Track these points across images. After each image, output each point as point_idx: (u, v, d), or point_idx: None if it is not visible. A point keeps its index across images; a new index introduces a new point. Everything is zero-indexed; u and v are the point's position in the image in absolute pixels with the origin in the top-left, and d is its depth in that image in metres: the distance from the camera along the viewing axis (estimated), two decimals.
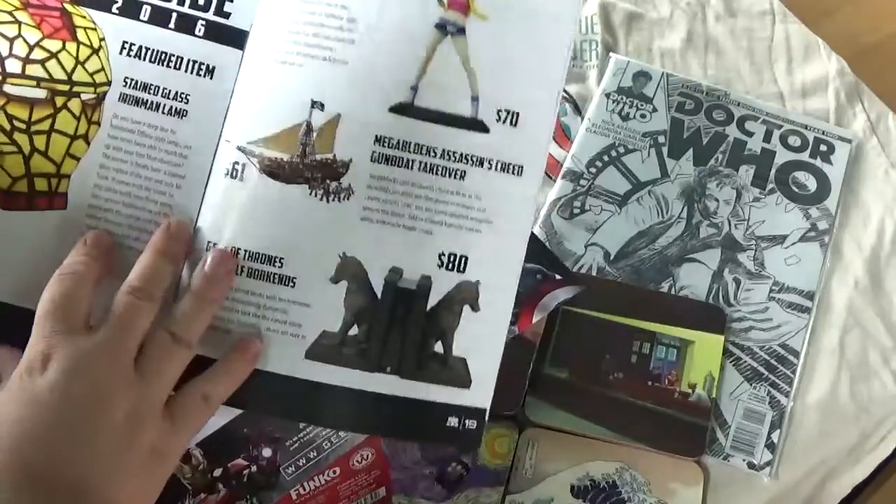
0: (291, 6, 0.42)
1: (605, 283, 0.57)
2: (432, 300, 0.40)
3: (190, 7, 0.43)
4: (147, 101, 0.43)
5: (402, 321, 0.40)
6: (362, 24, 0.40)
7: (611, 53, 0.64)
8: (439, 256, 0.40)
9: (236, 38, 0.43)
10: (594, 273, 0.57)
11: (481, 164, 0.40)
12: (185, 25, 0.43)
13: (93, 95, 0.42)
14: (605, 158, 0.61)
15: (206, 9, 0.43)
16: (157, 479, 0.38)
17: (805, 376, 0.56)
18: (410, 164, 0.40)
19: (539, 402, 0.53)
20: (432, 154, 0.40)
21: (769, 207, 0.60)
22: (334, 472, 0.50)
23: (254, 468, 0.49)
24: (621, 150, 0.61)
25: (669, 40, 0.66)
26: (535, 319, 0.52)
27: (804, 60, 0.66)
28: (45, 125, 0.42)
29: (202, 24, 0.43)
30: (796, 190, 0.61)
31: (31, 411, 0.34)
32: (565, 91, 0.63)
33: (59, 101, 0.42)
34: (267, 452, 0.49)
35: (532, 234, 0.55)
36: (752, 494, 0.53)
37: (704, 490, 0.53)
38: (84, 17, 0.43)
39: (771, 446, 0.54)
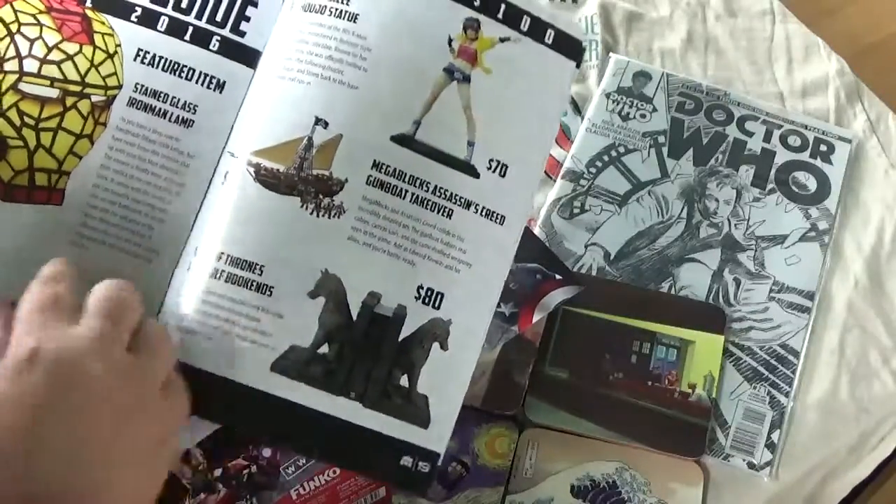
0: (307, 28, 0.43)
1: (605, 283, 0.57)
2: (405, 332, 0.40)
3: (207, 22, 0.44)
4: (155, 107, 0.43)
5: (373, 347, 0.40)
6: (376, 54, 0.42)
7: (611, 53, 0.64)
8: (418, 289, 0.41)
9: (249, 57, 0.44)
10: (594, 273, 0.57)
11: (468, 206, 0.41)
12: (201, 39, 0.44)
13: (102, 97, 0.43)
14: (605, 158, 0.61)
15: (222, 25, 0.44)
16: (163, 468, 0.36)
17: (805, 376, 0.56)
18: (403, 193, 0.41)
19: (539, 402, 0.53)
20: (425, 188, 0.41)
21: (769, 207, 0.60)
22: (334, 472, 0.50)
23: (254, 468, 0.49)
24: (621, 150, 0.61)
25: (669, 40, 0.66)
26: (535, 319, 0.52)
27: (804, 60, 0.66)
28: (54, 123, 0.42)
29: (217, 40, 0.44)
30: (796, 190, 0.61)
31: (23, 416, 0.32)
32: None
33: (70, 100, 0.42)
34: (267, 452, 0.49)
35: (532, 234, 0.55)
36: (752, 494, 0.53)
37: (704, 490, 0.53)
38: (103, 24, 0.43)
39: (771, 446, 0.54)
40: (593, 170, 0.60)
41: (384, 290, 0.40)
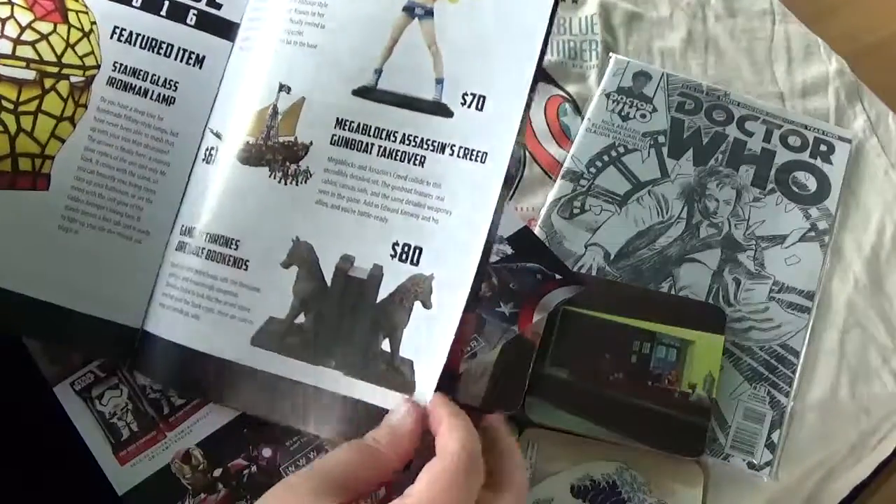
0: None
1: (605, 283, 0.57)
2: (383, 293, 0.38)
3: None
4: (135, 86, 0.43)
5: (350, 313, 0.38)
6: (332, 8, 0.40)
7: (611, 53, 0.64)
8: (393, 246, 0.38)
9: (226, 30, 0.43)
10: (594, 273, 0.57)
11: (443, 149, 0.39)
12: (177, 14, 0.43)
13: (81, 78, 0.42)
14: (605, 158, 0.61)
15: None
16: None
17: (805, 376, 0.56)
18: (370, 147, 0.39)
19: (539, 402, 0.53)
20: (392, 138, 0.39)
21: (769, 207, 0.60)
22: None
23: (254, 468, 0.49)
24: (621, 150, 0.61)
25: (669, 40, 0.66)
26: (535, 319, 0.52)
27: (804, 60, 0.66)
28: (33, 106, 0.42)
29: (194, 14, 0.43)
30: (796, 190, 0.61)
31: None
32: (565, 91, 0.63)
33: (48, 82, 0.42)
34: (267, 452, 0.49)
35: (531, 233, 0.55)
36: (752, 494, 0.53)
37: (704, 490, 0.53)
38: (76, 1, 0.43)
39: (771, 446, 0.54)
40: (593, 170, 0.60)
41: (357, 252, 0.38)
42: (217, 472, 0.48)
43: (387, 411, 0.37)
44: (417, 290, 0.38)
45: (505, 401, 0.53)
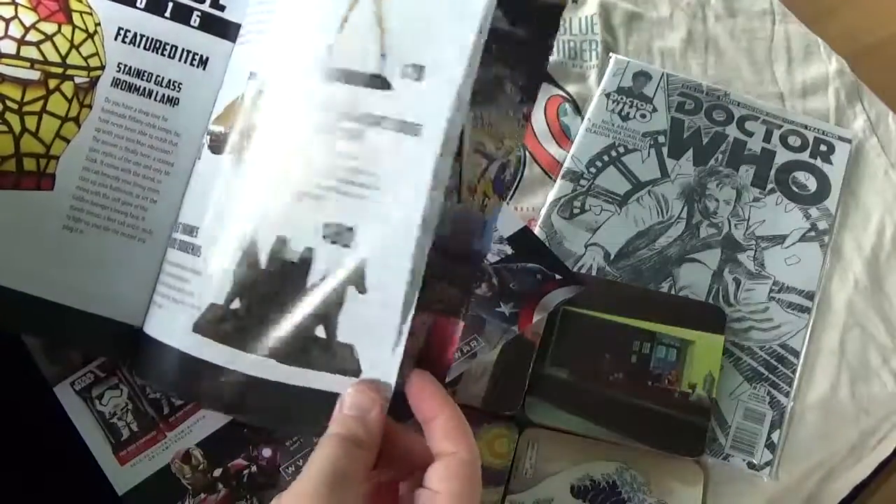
0: None
1: (605, 283, 0.57)
2: (314, 277, 0.36)
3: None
4: (140, 87, 0.43)
5: (281, 298, 0.36)
6: None
7: (611, 53, 0.64)
8: (325, 227, 0.36)
9: (230, 31, 0.44)
10: (594, 273, 0.57)
11: (378, 123, 0.37)
12: (181, 15, 0.44)
13: (86, 79, 0.43)
14: (605, 158, 0.61)
15: (201, 0, 0.44)
16: None
17: (805, 376, 0.56)
18: (307, 126, 0.38)
19: (539, 402, 0.53)
20: (331, 114, 0.38)
21: (769, 207, 0.60)
22: None
23: (254, 468, 0.49)
24: (621, 150, 0.61)
25: (669, 40, 0.66)
26: (535, 319, 0.52)
27: (804, 60, 0.66)
28: (37, 106, 0.42)
29: (197, 16, 0.44)
30: (796, 190, 0.61)
31: None
32: (565, 91, 0.63)
33: (53, 83, 0.42)
34: (267, 452, 0.49)
35: (531, 233, 0.55)
36: (752, 494, 0.53)
37: (704, 490, 0.53)
38: (80, 2, 0.43)
39: (771, 446, 0.54)
40: (593, 170, 0.60)
41: (291, 234, 0.37)
42: (217, 472, 0.48)
43: (335, 396, 0.36)
44: (349, 275, 0.36)
45: (505, 401, 0.53)
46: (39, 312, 0.42)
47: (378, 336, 0.35)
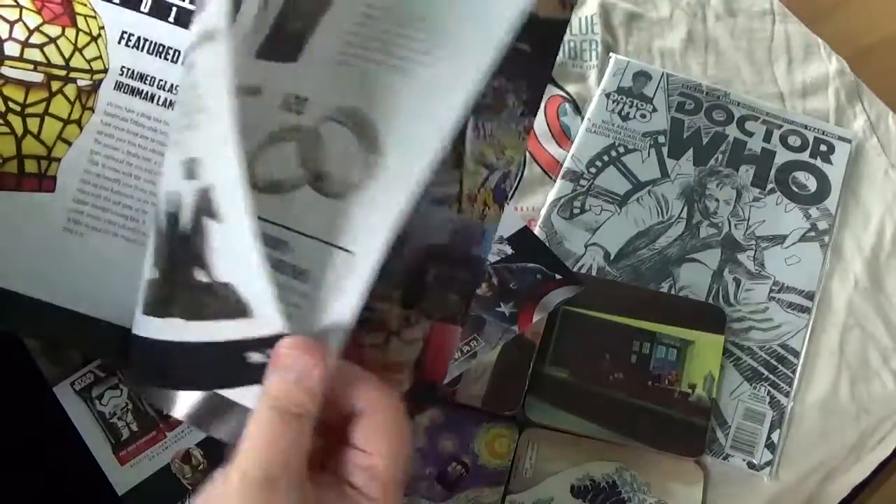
0: None
1: (605, 283, 0.57)
2: (184, 220, 0.34)
3: (190, 2, 0.44)
4: (143, 91, 0.43)
5: (175, 252, 0.35)
6: None
7: (611, 53, 0.64)
8: (182, 166, 0.35)
9: None
10: (594, 273, 0.57)
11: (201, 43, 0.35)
12: (185, 20, 0.44)
13: (89, 82, 0.43)
14: (605, 158, 0.61)
15: None
16: None
17: (805, 376, 0.56)
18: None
19: (539, 402, 0.53)
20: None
21: (769, 207, 0.60)
22: None
23: None
24: (621, 150, 0.61)
25: (669, 40, 0.66)
26: (535, 319, 0.52)
27: (804, 60, 0.66)
28: (40, 108, 0.42)
29: None
30: (796, 190, 0.61)
31: None
32: (565, 91, 0.63)
33: (55, 85, 0.42)
34: None
35: (531, 233, 0.55)
36: (752, 494, 0.53)
37: (704, 490, 0.53)
38: (85, 5, 0.43)
39: (771, 446, 0.54)
40: (593, 170, 0.60)
41: (176, 188, 0.35)
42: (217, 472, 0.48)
43: (241, 345, 0.33)
44: (201, 205, 0.33)
45: (505, 401, 0.53)
46: (38, 314, 0.42)
47: (245, 265, 0.32)
